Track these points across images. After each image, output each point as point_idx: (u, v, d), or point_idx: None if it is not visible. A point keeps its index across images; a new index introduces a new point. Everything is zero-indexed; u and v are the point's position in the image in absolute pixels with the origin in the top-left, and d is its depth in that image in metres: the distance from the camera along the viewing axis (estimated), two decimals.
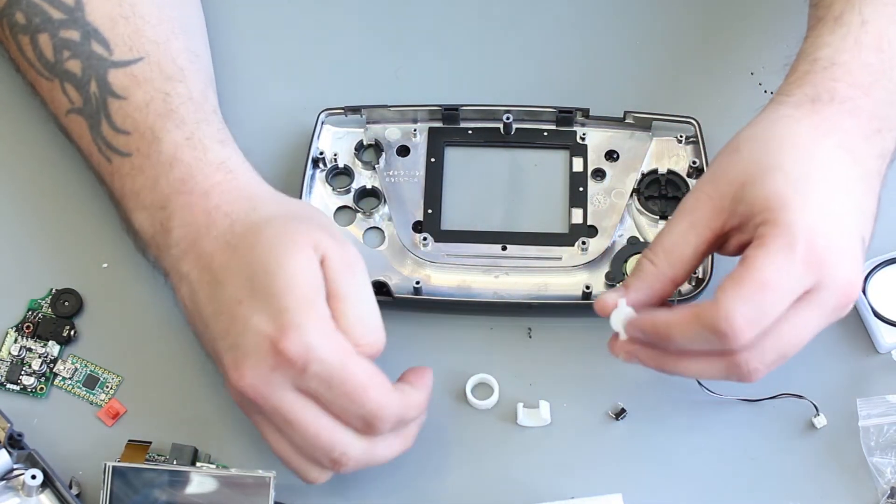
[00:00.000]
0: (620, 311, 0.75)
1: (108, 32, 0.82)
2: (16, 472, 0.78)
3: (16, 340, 0.85)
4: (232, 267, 0.75)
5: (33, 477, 0.78)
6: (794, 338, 0.72)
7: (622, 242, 0.86)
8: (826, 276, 0.71)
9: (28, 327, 0.85)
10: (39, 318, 0.86)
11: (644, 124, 0.89)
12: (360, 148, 0.89)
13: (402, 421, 0.75)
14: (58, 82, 0.83)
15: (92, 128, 0.82)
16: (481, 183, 0.88)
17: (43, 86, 0.84)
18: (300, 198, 0.86)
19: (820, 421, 0.82)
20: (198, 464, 0.80)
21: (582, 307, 0.84)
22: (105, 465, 0.78)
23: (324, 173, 0.88)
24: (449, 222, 0.87)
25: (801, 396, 0.81)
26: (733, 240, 0.74)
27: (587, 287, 0.84)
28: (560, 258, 0.85)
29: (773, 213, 0.71)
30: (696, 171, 0.87)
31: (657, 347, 0.74)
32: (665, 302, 0.76)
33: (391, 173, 0.88)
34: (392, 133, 0.89)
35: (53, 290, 0.86)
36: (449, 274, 0.85)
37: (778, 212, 0.71)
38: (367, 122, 0.90)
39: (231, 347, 0.73)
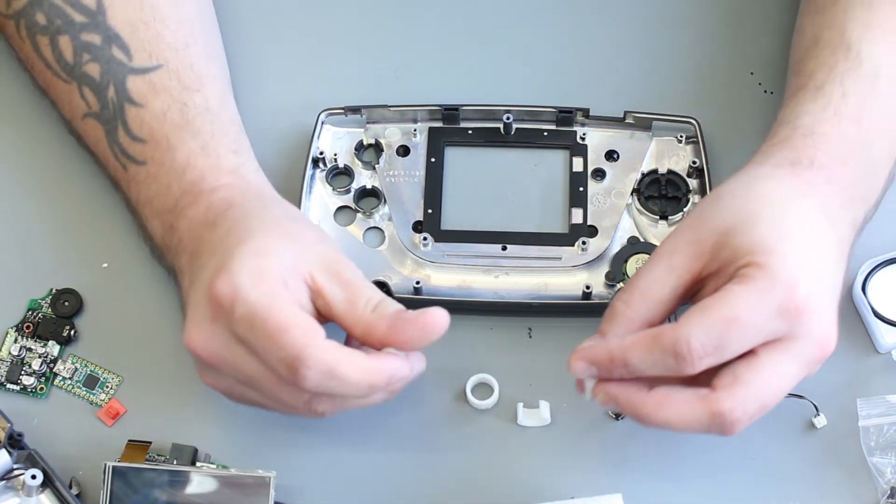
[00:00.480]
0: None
1: (128, 38, 0.82)
2: (16, 472, 0.78)
3: (16, 340, 0.85)
4: (210, 240, 0.76)
5: (33, 477, 0.78)
6: (773, 387, 0.72)
7: (622, 242, 0.86)
8: (804, 327, 0.72)
9: (28, 327, 0.85)
10: (39, 318, 0.86)
11: (644, 124, 0.89)
12: (360, 148, 0.89)
13: (335, 374, 0.72)
14: (76, 85, 0.83)
15: (108, 134, 0.82)
16: (481, 183, 0.88)
17: (60, 88, 0.84)
18: (300, 198, 0.86)
19: (820, 421, 0.82)
20: (198, 464, 0.80)
21: (582, 307, 0.84)
22: (105, 465, 0.78)
23: (324, 173, 0.88)
24: (449, 222, 0.87)
25: (800, 396, 0.81)
26: (710, 285, 0.74)
27: (587, 287, 0.84)
28: (560, 258, 0.85)
29: (757, 257, 0.71)
30: (696, 171, 0.87)
31: (637, 388, 0.73)
32: None
33: (391, 173, 0.88)
34: (392, 133, 0.89)
35: (53, 290, 0.86)
36: (449, 274, 0.85)
37: (762, 256, 0.71)
38: (367, 122, 0.90)
39: (187, 313, 0.75)
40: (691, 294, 0.75)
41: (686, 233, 0.74)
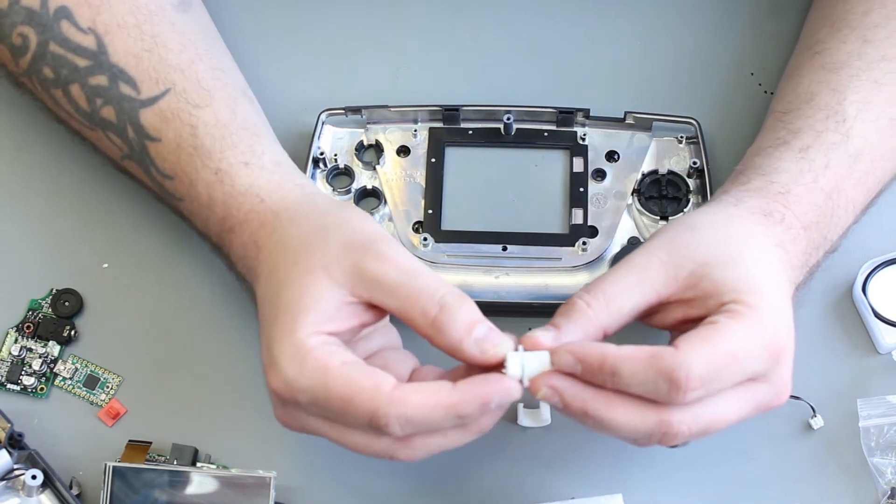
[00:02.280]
0: (540, 355, 0.72)
1: (132, 70, 0.81)
2: (16, 473, 0.78)
3: (16, 340, 0.85)
4: (260, 296, 0.75)
5: (34, 477, 0.78)
6: (724, 418, 0.71)
7: (622, 243, 0.86)
8: (773, 372, 0.72)
9: (28, 327, 0.85)
10: (40, 318, 0.86)
11: (644, 124, 0.89)
12: (360, 148, 0.89)
13: (418, 422, 0.70)
14: (101, 132, 0.82)
15: (146, 173, 0.82)
16: (481, 183, 0.88)
17: (91, 135, 0.84)
18: None
19: (817, 422, 0.82)
20: (198, 464, 0.80)
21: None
22: (105, 465, 0.78)
23: (324, 173, 0.88)
24: (449, 222, 0.87)
25: (797, 398, 0.82)
26: (677, 312, 0.73)
27: None
28: (560, 258, 0.85)
29: (746, 296, 0.71)
30: (697, 172, 0.87)
31: (589, 385, 0.71)
32: None
33: (391, 173, 0.88)
34: (392, 133, 0.89)
35: (54, 290, 0.86)
36: (449, 274, 0.85)
37: (752, 295, 0.71)
38: (368, 123, 0.90)
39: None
40: (650, 315, 0.74)
41: (660, 252, 0.73)
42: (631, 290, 0.73)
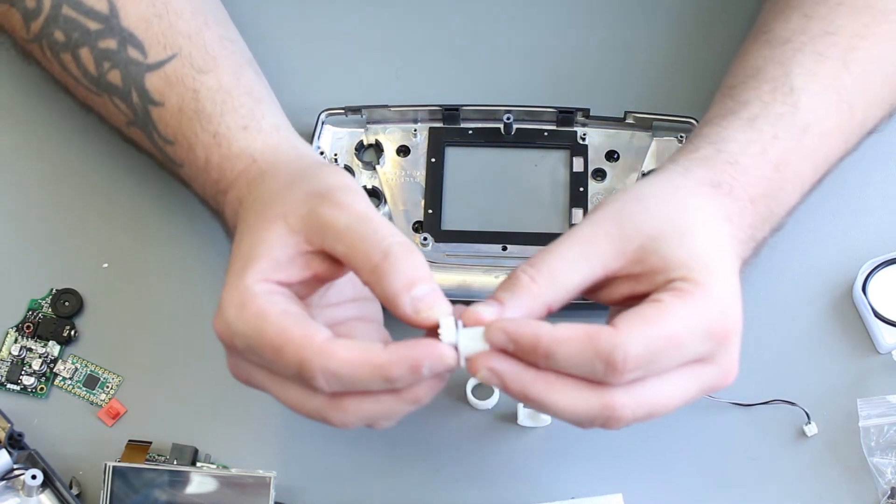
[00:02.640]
0: (475, 330, 0.69)
1: (142, 34, 0.82)
2: (16, 472, 0.78)
3: (16, 340, 0.85)
4: (232, 248, 0.75)
5: (33, 477, 0.78)
6: (670, 400, 0.70)
7: None
8: (720, 353, 0.70)
9: (28, 327, 0.85)
10: (40, 318, 0.86)
11: (644, 124, 0.89)
12: (360, 148, 0.89)
13: (343, 377, 0.68)
14: (107, 97, 0.83)
15: (149, 139, 0.83)
16: (482, 183, 0.88)
17: (97, 102, 0.84)
18: None
19: (811, 429, 0.82)
20: (198, 464, 0.80)
21: (582, 307, 0.83)
22: (105, 465, 0.78)
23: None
24: (449, 222, 0.87)
25: (792, 403, 0.82)
26: (623, 287, 0.71)
27: None
28: None
29: (695, 272, 0.69)
30: None
31: (529, 367, 0.69)
32: None
33: (391, 173, 0.88)
34: (392, 133, 0.89)
35: (54, 290, 0.86)
36: (449, 274, 0.85)
37: (699, 273, 0.69)
38: (368, 122, 0.90)
39: None
40: (595, 288, 0.72)
41: (606, 224, 0.71)
42: (576, 267, 0.70)
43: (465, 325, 0.69)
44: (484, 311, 0.69)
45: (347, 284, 0.76)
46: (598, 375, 0.67)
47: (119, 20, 0.82)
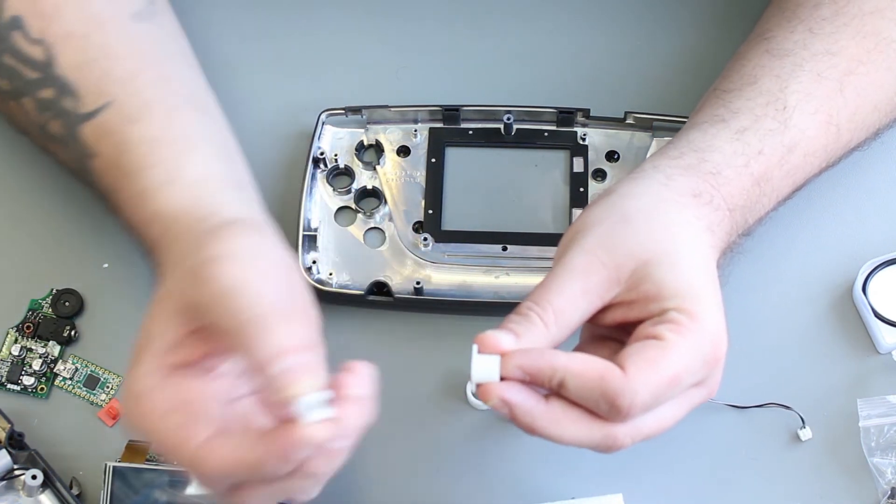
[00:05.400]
0: (492, 359, 0.69)
1: (76, 82, 0.79)
2: (16, 473, 0.78)
3: (16, 340, 0.85)
4: None
5: (34, 477, 0.78)
6: (664, 424, 0.71)
7: None
8: (710, 376, 0.72)
9: (28, 327, 0.85)
10: (40, 319, 0.86)
11: (645, 125, 0.89)
12: (360, 148, 0.89)
13: (224, 477, 0.67)
14: (58, 145, 0.81)
15: (93, 190, 0.81)
16: (482, 183, 0.88)
17: (49, 149, 0.83)
18: (301, 198, 0.86)
19: (805, 433, 0.82)
20: None
21: None
22: (105, 465, 0.78)
23: (324, 174, 0.88)
24: (449, 222, 0.87)
25: (787, 407, 0.82)
26: (617, 313, 0.72)
27: None
28: None
29: (688, 302, 0.70)
30: None
31: (537, 398, 0.69)
32: None
33: (391, 173, 0.88)
34: (392, 133, 0.89)
35: (54, 291, 0.86)
36: (449, 274, 0.85)
37: (692, 302, 0.70)
38: (368, 123, 0.90)
39: None
40: (592, 317, 0.73)
41: (599, 252, 0.72)
42: (578, 302, 0.71)
43: (479, 352, 0.69)
44: (501, 338, 0.69)
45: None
46: (603, 413, 0.69)
47: (54, 68, 0.79)
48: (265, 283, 0.68)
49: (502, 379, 0.69)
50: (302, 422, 0.65)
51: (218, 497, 0.70)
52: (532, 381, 0.69)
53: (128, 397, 0.69)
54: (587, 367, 0.68)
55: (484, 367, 0.69)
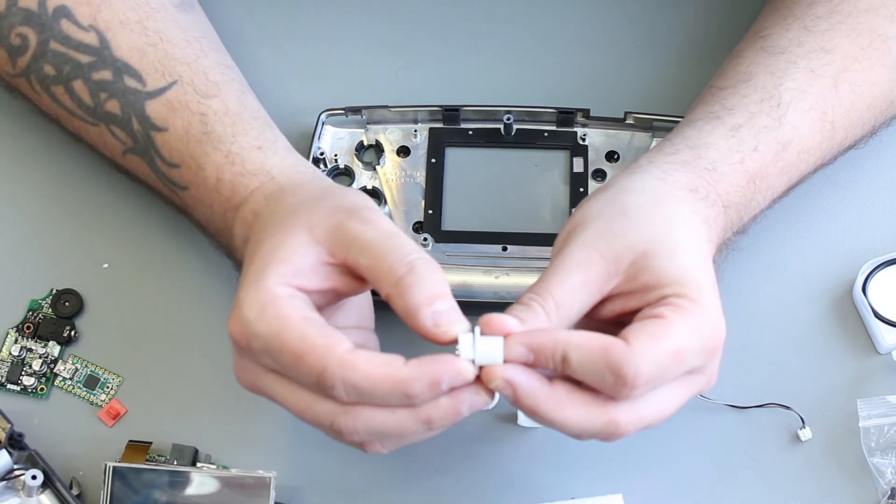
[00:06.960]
0: (496, 340, 0.69)
1: (138, 64, 0.81)
2: (16, 473, 0.78)
3: (16, 341, 0.85)
4: (246, 255, 0.75)
5: (34, 477, 0.78)
6: (664, 411, 0.71)
7: None
8: (709, 364, 0.72)
9: (28, 328, 0.86)
10: (40, 319, 0.86)
11: (645, 125, 0.89)
12: (360, 148, 0.89)
13: (364, 389, 0.68)
14: (104, 126, 0.83)
15: (150, 164, 0.82)
16: (482, 183, 0.88)
17: (91, 132, 0.84)
18: None
19: (805, 434, 0.82)
20: (198, 464, 0.80)
21: None
22: (105, 465, 0.78)
23: (324, 173, 0.88)
24: (449, 223, 0.87)
25: (787, 407, 0.82)
26: (616, 304, 0.72)
27: None
28: None
29: (687, 288, 0.70)
30: None
31: (543, 383, 0.70)
32: None
33: (391, 174, 0.88)
34: (392, 133, 0.89)
35: (54, 291, 0.87)
36: (449, 274, 0.85)
37: (692, 289, 0.71)
38: (368, 123, 0.90)
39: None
40: (591, 310, 0.73)
41: (598, 244, 0.72)
42: (578, 294, 0.71)
43: (482, 334, 0.69)
44: (506, 320, 0.70)
45: (354, 310, 0.76)
46: (608, 387, 0.69)
47: (111, 51, 0.82)
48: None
49: (505, 362, 0.69)
50: (462, 356, 0.69)
51: (321, 410, 0.70)
52: (535, 363, 0.69)
53: (250, 307, 0.70)
54: (590, 339, 0.69)
55: (487, 349, 0.69)
